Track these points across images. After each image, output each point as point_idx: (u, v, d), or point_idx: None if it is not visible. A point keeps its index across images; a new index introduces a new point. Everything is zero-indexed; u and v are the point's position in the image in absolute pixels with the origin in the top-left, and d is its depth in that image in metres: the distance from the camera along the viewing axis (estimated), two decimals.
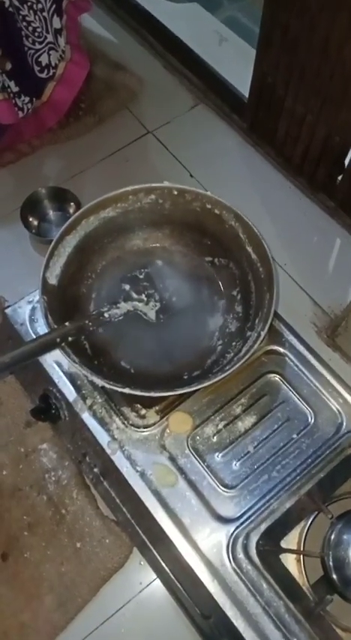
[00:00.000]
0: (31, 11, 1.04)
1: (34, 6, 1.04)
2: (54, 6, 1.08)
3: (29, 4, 1.03)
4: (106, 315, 0.80)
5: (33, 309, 0.87)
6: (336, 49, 0.96)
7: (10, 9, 1.01)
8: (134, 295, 0.85)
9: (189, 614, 0.83)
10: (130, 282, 0.86)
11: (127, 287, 0.86)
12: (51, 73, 1.15)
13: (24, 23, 1.05)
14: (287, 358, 0.85)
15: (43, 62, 1.12)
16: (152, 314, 0.84)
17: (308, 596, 0.79)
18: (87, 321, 0.77)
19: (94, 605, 0.87)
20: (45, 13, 1.07)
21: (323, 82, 1.02)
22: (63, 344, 0.73)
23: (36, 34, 1.07)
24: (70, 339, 0.73)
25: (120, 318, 0.82)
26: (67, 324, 0.73)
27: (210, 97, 1.36)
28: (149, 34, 1.45)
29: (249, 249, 0.82)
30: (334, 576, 0.75)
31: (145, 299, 0.85)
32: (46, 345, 0.72)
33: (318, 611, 0.75)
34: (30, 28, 1.06)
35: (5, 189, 1.22)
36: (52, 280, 0.79)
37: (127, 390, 0.72)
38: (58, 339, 0.72)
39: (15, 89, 1.09)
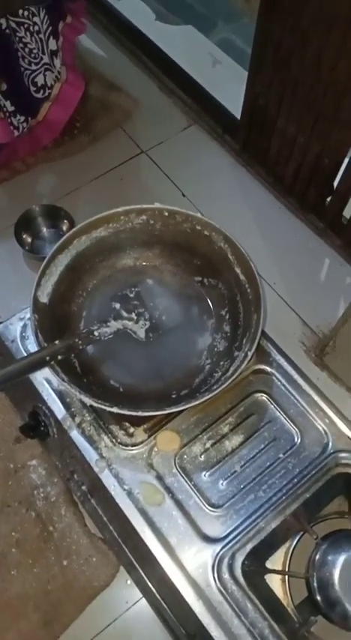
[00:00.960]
0: (27, 33, 1.06)
1: (31, 28, 1.06)
2: (50, 28, 1.10)
3: (26, 26, 1.05)
4: (95, 333, 0.81)
5: (24, 327, 0.88)
6: (328, 66, 0.98)
7: (7, 30, 1.03)
8: (124, 314, 0.86)
9: (174, 634, 0.83)
10: (121, 300, 0.87)
11: (117, 306, 0.87)
12: (47, 94, 1.17)
13: (20, 44, 1.07)
14: (275, 378, 0.86)
15: (38, 83, 1.14)
16: (142, 333, 0.85)
17: (293, 617, 0.79)
18: (77, 340, 0.78)
19: (80, 623, 0.87)
20: (41, 35, 1.09)
21: (315, 100, 1.04)
22: (53, 362, 0.73)
23: (32, 55, 1.09)
24: (59, 357, 0.74)
25: (110, 336, 0.83)
26: (56, 342, 0.74)
27: (203, 118, 1.38)
28: (144, 55, 1.48)
29: (237, 270, 0.84)
30: (319, 597, 0.76)
31: (135, 317, 0.86)
32: (36, 363, 0.72)
33: (302, 633, 0.75)
34: (26, 50, 1.08)
35: (0, 206, 1.24)
36: (43, 299, 0.80)
37: (115, 410, 0.72)
38: (47, 358, 0.73)
39: (11, 109, 1.11)
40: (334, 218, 1.19)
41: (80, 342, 0.78)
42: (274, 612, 0.73)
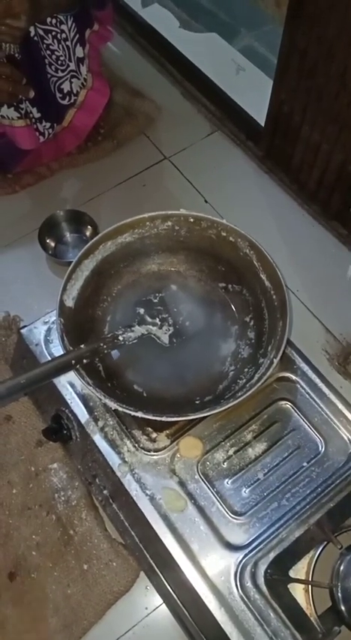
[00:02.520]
0: (55, 40, 1.07)
1: (58, 35, 1.07)
2: (77, 36, 1.11)
3: (53, 33, 1.06)
4: (120, 338, 0.81)
5: (48, 330, 0.89)
6: None
7: (35, 38, 1.04)
8: (148, 319, 0.86)
9: None
10: (145, 305, 0.88)
11: (141, 311, 0.87)
12: (72, 100, 1.18)
13: (48, 52, 1.08)
14: (299, 385, 0.86)
15: (65, 89, 1.15)
16: (166, 338, 0.85)
17: (316, 627, 0.78)
18: (102, 344, 0.78)
19: (99, 628, 0.86)
20: (68, 43, 1.10)
21: (341, 110, 1.04)
22: (78, 366, 0.74)
23: (59, 62, 1.11)
24: (85, 361, 0.74)
25: (134, 341, 0.83)
26: (82, 346, 0.75)
27: (226, 125, 1.39)
28: (168, 62, 1.49)
29: (263, 276, 0.84)
30: (343, 608, 0.75)
31: (159, 323, 0.86)
32: (62, 366, 0.73)
33: None
34: (53, 57, 1.09)
35: (24, 211, 1.25)
36: (69, 303, 0.80)
37: (139, 414, 0.72)
38: (73, 361, 0.73)
39: (37, 115, 1.12)
40: None
41: (105, 346, 0.78)
42: (297, 622, 0.72)
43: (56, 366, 0.72)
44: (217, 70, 1.45)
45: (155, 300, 0.88)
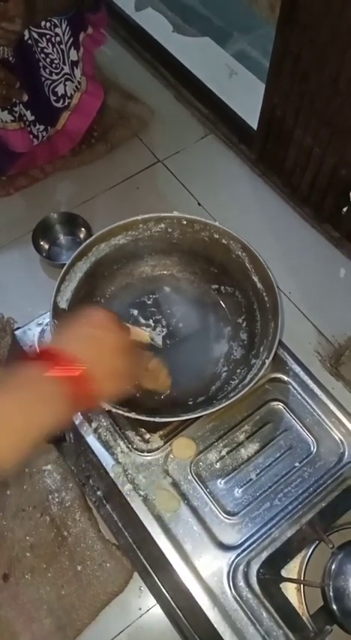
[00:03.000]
0: (49, 44, 1.08)
1: (53, 39, 1.08)
2: (72, 39, 1.12)
3: (48, 36, 1.07)
4: None
5: (42, 332, 0.89)
6: (346, 81, 0.99)
7: (29, 41, 1.04)
8: (142, 320, 0.87)
9: None
10: (138, 307, 0.88)
11: (135, 312, 0.87)
12: (66, 103, 1.19)
13: (42, 55, 1.08)
14: (291, 386, 0.86)
15: (59, 92, 1.16)
16: (159, 339, 0.86)
17: (308, 627, 0.78)
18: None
19: (93, 629, 0.87)
20: (63, 46, 1.11)
21: (333, 114, 1.05)
22: None
23: (53, 65, 1.11)
24: None
25: None
26: None
27: (219, 128, 1.40)
28: (161, 66, 1.50)
29: (255, 278, 0.84)
30: (334, 607, 0.75)
31: (153, 324, 0.87)
32: None
33: None
34: (48, 60, 1.10)
35: (18, 214, 1.25)
36: (63, 304, 0.80)
37: (132, 415, 0.73)
38: None
39: (31, 118, 1.13)
40: (349, 228, 1.20)
41: None
42: (290, 621, 0.72)
43: None
44: (210, 74, 1.46)
45: (149, 302, 0.89)
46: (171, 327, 0.87)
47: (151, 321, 0.87)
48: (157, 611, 0.87)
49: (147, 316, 0.88)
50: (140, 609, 0.88)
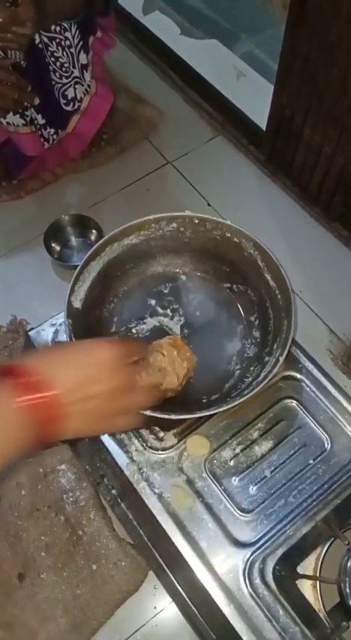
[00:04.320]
0: (59, 47, 1.09)
1: (63, 42, 1.09)
2: (81, 43, 1.13)
3: (58, 40, 1.08)
4: (133, 330, 0.83)
5: (56, 332, 0.89)
6: None
7: (40, 45, 1.06)
8: (160, 310, 0.89)
9: (204, 639, 0.83)
10: (156, 297, 0.90)
11: (153, 302, 0.89)
12: (76, 106, 1.20)
13: (52, 59, 1.10)
14: (304, 384, 0.87)
15: (69, 96, 1.17)
16: (177, 328, 0.87)
17: (324, 623, 0.78)
18: (116, 338, 0.79)
19: (109, 628, 0.87)
20: (72, 49, 1.12)
21: (341, 114, 1.05)
22: None
23: (63, 69, 1.12)
24: None
25: (147, 334, 0.84)
26: None
27: (228, 129, 1.40)
28: (170, 69, 1.51)
29: (267, 276, 0.85)
30: None
31: (170, 313, 0.89)
32: None
33: (334, 638, 0.75)
34: (58, 64, 1.11)
35: (29, 216, 1.26)
36: (77, 304, 0.81)
37: (148, 413, 0.73)
38: None
39: (41, 121, 1.14)
40: None
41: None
42: (306, 618, 0.72)
43: None
44: (218, 76, 1.47)
45: (166, 291, 0.91)
46: (188, 316, 0.88)
47: (168, 310, 0.89)
48: (173, 609, 0.87)
49: (164, 305, 0.89)
50: (155, 608, 0.88)
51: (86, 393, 0.50)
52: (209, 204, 1.29)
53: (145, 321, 0.86)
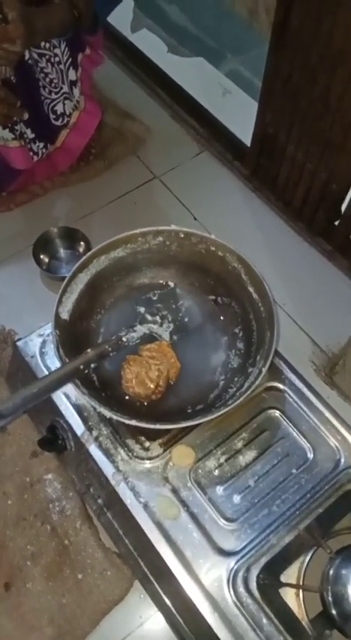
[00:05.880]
0: (48, 64, 1.11)
1: (52, 59, 1.11)
2: (70, 59, 1.15)
3: (47, 57, 1.10)
4: (124, 339, 0.84)
5: (43, 343, 0.90)
6: (336, 99, 1.02)
7: (30, 61, 1.07)
8: (149, 317, 0.90)
9: None
10: (145, 304, 0.92)
11: (142, 310, 0.91)
12: (65, 121, 1.22)
13: (42, 74, 1.12)
14: (287, 395, 0.88)
15: (58, 111, 1.19)
16: (167, 335, 0.89)
17: (307, 631, 0.79)
18: (107, 347, 0.81)
19: (94, 638, 0.87)
20: (61, 66, 1.14)
21: (324, 131, 1.08)
22: (86, 370, 0.77)
23: (52, 84, 1.14)
24: (92, 365, 0.77)
25: (137, 341, 0.86)
26: (88, 351, 0.77)
27: (214, 145, 1.43)
28: (157, 86, 1.54)
29: (251, 289, 0.87)
30: (333, 611, 0.76)
31: (160, 320, 0.90)
32: (72, 372, 0.76)
33: None
34: (47, 79, 1.13)
35: (18, 228, 1.28)
36: (64, 315, 0.82)
37: (133, 422, 0.74)
38: (82, 366, 0.76)
39: (31, 136, 1.16)
40: (341, 241, 1.23)
41: (110, 348, 0.81)
42: (289, 626, 0.73)
43: (67, 372, 0.75)
44: (205, 93, 1.50)
45: (154, 298, 0.93)
46: (177, 322, 0.90)
47: (158, 317, 0.90)
48: (158, 618, 0.87)
49: (153, 312, 0.91)
50: (141, 617, 0.88)
51: None
52: (195, 218, 1.31)
53: (135, 329, 0.88)
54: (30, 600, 0.88)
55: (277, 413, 0.87)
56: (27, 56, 1.06)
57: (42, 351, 0.90)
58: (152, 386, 0.81)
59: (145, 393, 0.82)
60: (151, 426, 0.75)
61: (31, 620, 0.87)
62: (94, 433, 0.83)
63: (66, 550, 0.91)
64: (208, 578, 0.75)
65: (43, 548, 0.91)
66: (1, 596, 0.88)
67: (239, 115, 1.41)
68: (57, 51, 1.11)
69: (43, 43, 1.07)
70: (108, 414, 0.75)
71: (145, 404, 0.83)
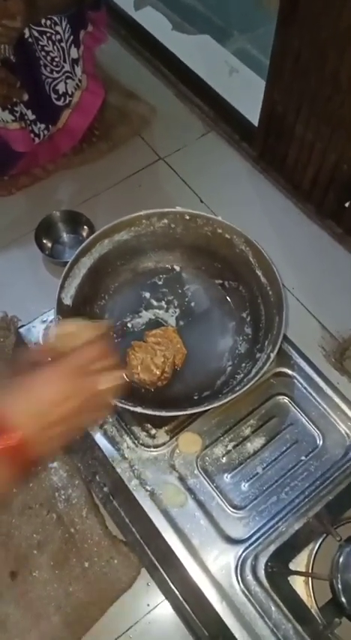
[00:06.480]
0: (49, 42, 1.08)
1: (53, 37, 1.08)
2: (72, 37, 1.12)
3: (48, 34, 1.07)
4: (129, 325, 0.83)
5: (46, 329, 0.89)
6: (346, 78, 0.99)
7: (30, 39, 1.05)
8: (154, 303, 0.89)
9: (197, 636, 0.82)
10: (150, 289, 0.90)
11: (147, 295, 0.89)
12: (67, 101, 1.19)
13: (43, 53, 1.09)
14: (296, 380, 0.86)
15: (60, 90, 1.16)
16: (173, 321, 0.87)
17: (316, 619, 0.78)
18: (112, 333, 0.79)
19: (102, 625, 0.87)
20: (63, 44, 1.11)
21: (333, 110, 1.05)
22: None
23: (54, 63, 1.11)
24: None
25: (142, 327, 0.84)
26: None
27: (220, 125, 1.40)
28: (162, 65, 1.50)
29: (259, 272, 0.84)
30: (343, 599, 0.75)
31: (165, 306, 0.88)
32: None
33: (326, 635, 0.75)
34: (48, 58, 1.10)
35: (21, 212, 1.25)
36: (67, 301, 0.81)
37: (139, 409, 0.73)
38: None
39: (32, 117, 1.13)
40: None
41: (115, 335, 0.80)
42: (298, 614, 0.72)
43: None
44: (211, 72, 1.46)
45: (160, 282, 0.91)
46: (183, 307, 0.89)
47: (163, 302, 0.89)
48: (166, 606, 0.87)
49: (159, 298, 0.89)
50: (148, 605, 0.88)
51: (49, 422, 0.52)
52: (202, 201, 1.29)
53: (140, 314, 0.86)
54: (36, 589, 0.87)
55: (286, 399, 0.85)
56: (27, 34, 1.03)
57: (45, 337, 0.89)
58: (158, 372, 0.80)
59: (151, 379, 0.80)
60: (157, 413, 0.74)
61: (38, 609, 0.86)
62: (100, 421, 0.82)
63: (72, 538, 0.90)
64: (216, 566, 0.74)
65: (49, 537, 0.90)
66: (7, 584, 0.87)
67: (247, 94, 1.37)
68: (58, 28, 1.07)
69: (43, 20, 1.04)
70: (113, 401, 0.73)
71: (152, 390, 0.82)
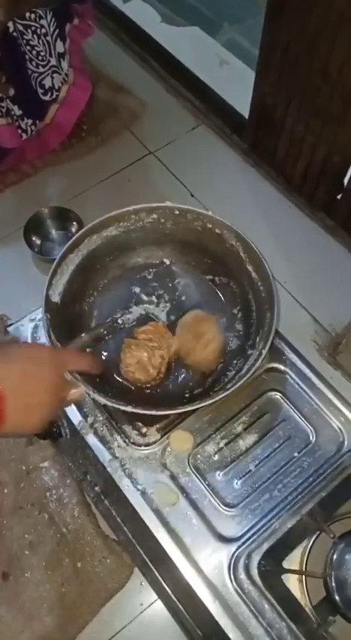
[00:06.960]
0: (34, 35, 1.06)
1: (38, 30, 1.06)
2: (57, 30, 1.10)
3: (33, 28, 1.05)
4: (119, 321, 0.82)
5: (35, 327, 0.88)
6: (336, 70, 0.97)
7: (14, 33, 1.03)
8: (144, 297, 0.88)
9: (190, 636, 0.82)
10: (140, 284, 0.89)
11: (137, 290, 0.88)
12: (54, 96, 1.17)
13: (28, 47, 1.07)
14: (288, 376, 0.86)
15: (46, 85, 1.14)
16: (163, 316, 0.86)
17: (311, 618, 0.78)
18: (102, 330, 0.79)
19: (95, 626, 0.86)
20: (48, 37, 1.09)
21: (323, 103, 1.04)
22: None
23: (39, 57, 1.09)
24: (87, 350, 0.75)
25: (133, 323, 0.83)
26: (83, 335, 0.75)
27: (211, 119, 1.38)
28: (151, 57, 1.48)
29: (250, 268, 0.83)
30: (337, 597, 0.75)
31: (156, 300, 0.87)
32: None
33: (320, 633, 0.74)
34: (34, 52, 1.08)
35: (9, 210, 1.24)
36: (55, 298, 0.79)
37: (129, 408, 0.72)
38: None
39: (18, 112, 1.11)
40: (344, 216, 1.19)
41: (105, 331, 0.79)
42: (292, 612, 0.72)
43: None
44: (200, 64, 1.44)
45: (150, 277, 0.90)
46: (174, 301, 0.88)
47: (153, 297, 0.88)
48: (159, 606, 0.86)
49: (149, 292, 0.88)
50: (141, 604, 0.87)
51: (26, 389, 0.55)
52: (192, 195, 1.27)
53: (130, 310, 0.85)
54: (29, 590, 0.86)
55: (278, 395, 0.85)
56: (11, 28, 1.02)
57: (34, 336, 0.88)
58: (154, 373, 0.79)
59: (146, 379, 0.79)
60: (148, 412, 0.73)
61: (31, 610, 0.85)
62: (90, 420, 0.81)
63: (64, 538, 0.89)
64: (209, 565, 0.74)
65: (41, 537, 0.89)
66: None
67: (237, 86, 1.35)
68: (43, 22, 1.06)
69: (28, 14, 1.02)
70: (103, 400, 0.72)
71: (143, 388, 0.81)
